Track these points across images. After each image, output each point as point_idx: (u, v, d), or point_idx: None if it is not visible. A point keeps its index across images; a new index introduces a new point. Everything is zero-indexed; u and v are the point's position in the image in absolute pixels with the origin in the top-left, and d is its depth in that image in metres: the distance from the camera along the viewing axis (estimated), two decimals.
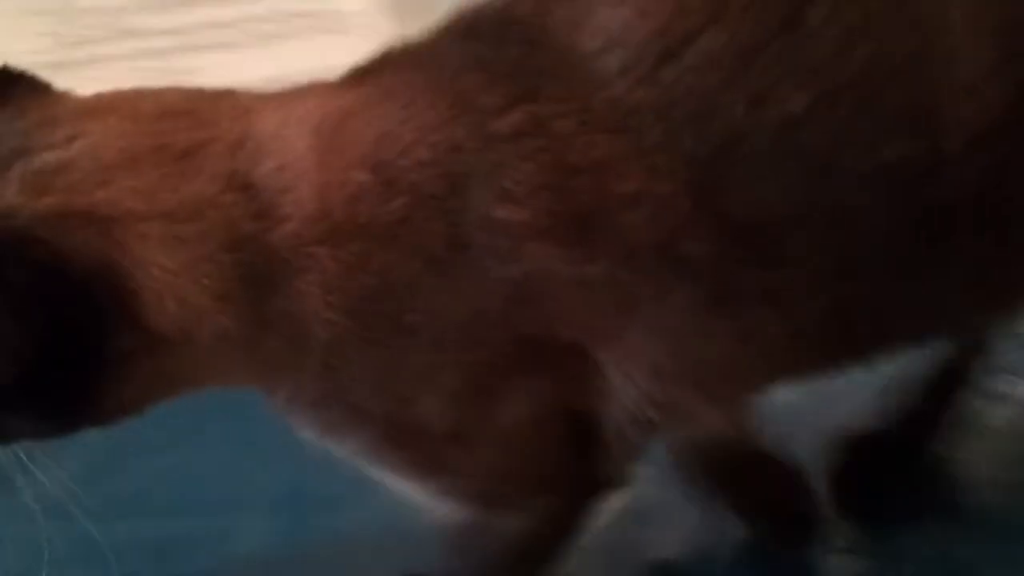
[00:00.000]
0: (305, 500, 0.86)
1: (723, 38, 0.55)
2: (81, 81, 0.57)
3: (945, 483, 0.86)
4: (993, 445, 0.88)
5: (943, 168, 0.57)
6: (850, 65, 0.56)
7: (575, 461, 0.63)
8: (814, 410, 0.81)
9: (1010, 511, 0.84)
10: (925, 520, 0.83)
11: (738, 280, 0.57)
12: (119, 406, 0.54)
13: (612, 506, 0.69)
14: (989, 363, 0.85)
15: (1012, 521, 0.83)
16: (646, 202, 0.55)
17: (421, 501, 0.64)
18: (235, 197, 0.52)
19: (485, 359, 0.57)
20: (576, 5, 0.57)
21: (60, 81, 0.57)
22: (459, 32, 0.59)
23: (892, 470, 0.85)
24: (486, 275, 0.55)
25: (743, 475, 0.80)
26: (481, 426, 0.59)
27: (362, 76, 0.59)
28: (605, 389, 0.59)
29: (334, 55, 0.60)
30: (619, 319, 0.58)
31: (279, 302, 0.54)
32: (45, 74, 0.57)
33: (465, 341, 0.56)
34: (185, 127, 0.53)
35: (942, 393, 0.86)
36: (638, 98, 0.55)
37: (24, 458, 0.55)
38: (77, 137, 0.51)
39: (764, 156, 0.55)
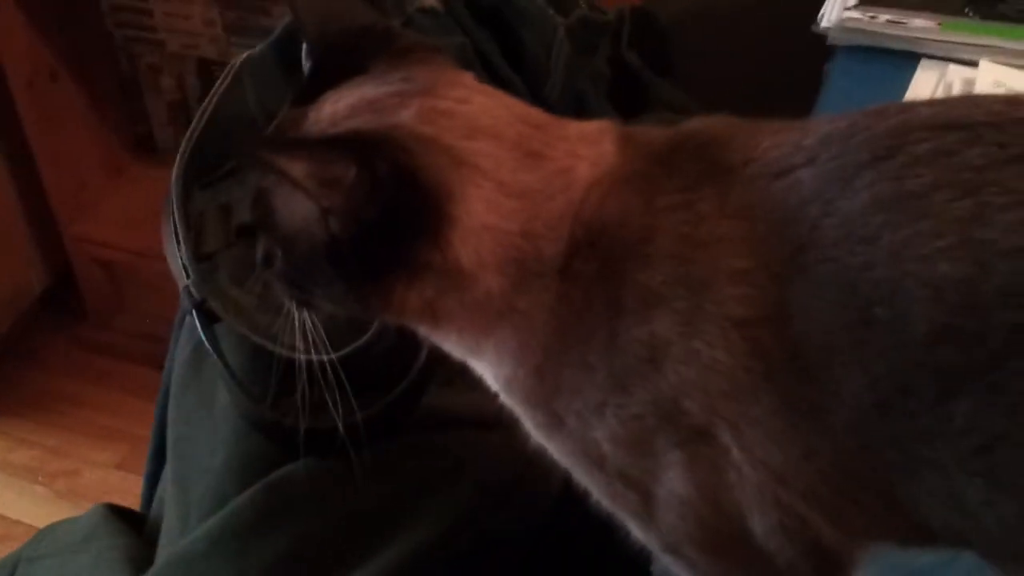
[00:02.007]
0: None
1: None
2: None
3: None
4: None
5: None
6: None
7: (752, 552, 0.63)
8: None
9: None
10: None
11: (798, 392, 0.58)
12: (401, 307, 0.68)
13: None
14: None
15: None
16: (745, 283, 0.58)
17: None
18: (543, 207, 0.66)
19: (638, 412, 0.63)
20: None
21: None
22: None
23: None
24: (630, 333, 0.62)
25: None
26: (648, 479, 0.64)
27: (627, 146, 0.68)
28: (737, 479, 0.61)
29: None
30: (733, 406, 0.60)
31: (523, 299, 0.66)
32: None
33: (621, 390, 0.63)
34: (540, 137, 0.68)
35: None
36: (759, 195, 0.60)
37: None
38: (468, 102, 0.68)
39: (833, 279, 0.56)
